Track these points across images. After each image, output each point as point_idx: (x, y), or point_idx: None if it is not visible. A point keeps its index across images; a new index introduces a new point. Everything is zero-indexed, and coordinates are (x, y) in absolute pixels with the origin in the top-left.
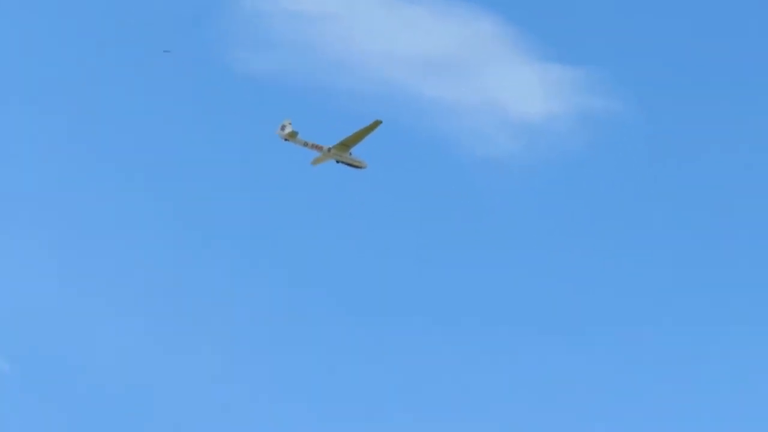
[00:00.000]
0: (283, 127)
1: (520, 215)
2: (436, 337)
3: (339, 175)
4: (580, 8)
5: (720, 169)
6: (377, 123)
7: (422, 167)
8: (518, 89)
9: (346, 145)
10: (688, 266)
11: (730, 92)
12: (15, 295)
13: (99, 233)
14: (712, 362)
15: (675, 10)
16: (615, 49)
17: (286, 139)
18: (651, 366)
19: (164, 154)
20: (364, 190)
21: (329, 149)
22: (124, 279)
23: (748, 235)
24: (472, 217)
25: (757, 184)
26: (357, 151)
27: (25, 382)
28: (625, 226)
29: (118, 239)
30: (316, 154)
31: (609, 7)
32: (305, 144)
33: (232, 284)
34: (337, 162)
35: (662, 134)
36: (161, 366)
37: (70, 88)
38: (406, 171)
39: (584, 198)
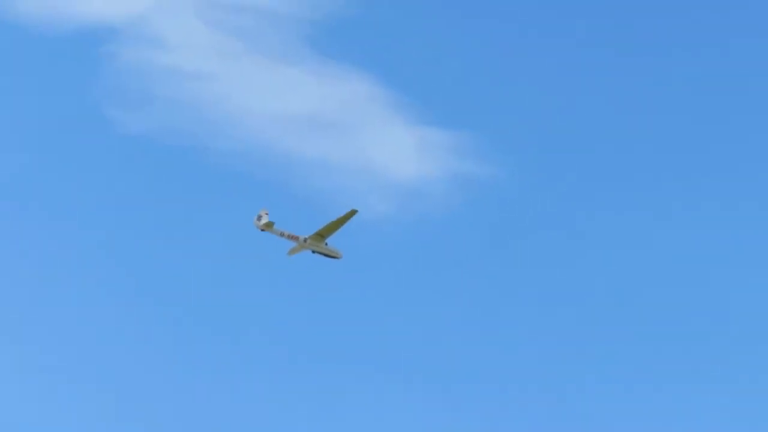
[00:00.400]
0: (259, 217)
1: (392, 275)
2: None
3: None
4: (455, 72)
5: (592, 231)
6: (353, 212)
7: (298, 225)
8: (393, 151)
9: (322, 235)
10: (555, 323)
11: (603, 155)
12: None
13: None
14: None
15: (550, 76)
16: (489, 114)
17: (262, 230)
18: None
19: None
20: None
21: (305, 239)
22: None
23: (616, 293)
24: (345, 275)
25: (627, 246)
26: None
27: None
28: (495, 286)
29: None
30: (291, 243)
31: (484, 73)
32: (282, 234)
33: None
34: (313, 252)
35: (535, 198)
36: None
37: None
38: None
39: (455, 259)
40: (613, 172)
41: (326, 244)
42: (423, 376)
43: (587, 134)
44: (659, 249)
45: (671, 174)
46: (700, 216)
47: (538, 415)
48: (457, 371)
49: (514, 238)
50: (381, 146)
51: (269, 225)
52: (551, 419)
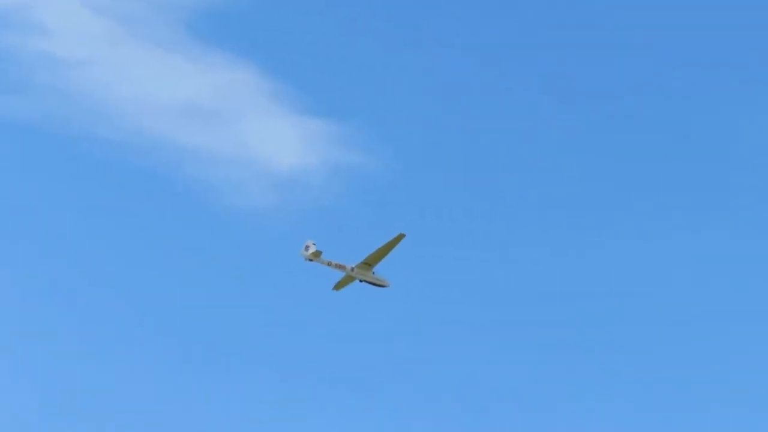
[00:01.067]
0: (306, 248)
1: (273, 265)
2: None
3: None
4: (336, 63)
5: (469, 221)
6: (401, 237)
7: (178, 215)
8: (273, 141)
9: (369, 264)
10: (434, 313)
11: (480, 147)
12: None
13: None
14: None
15: (428, 68)
16: (369, 104)
17: (310, 260)
18: None
19: None
20: None
21: (352, 268)
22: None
23: (488, 282)
24: (226, 265)
25: (504, 236)
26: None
27: None
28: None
29: None
30: (339, 273)
31: (364, 63)
32: (329, 264)
33: None
34: (361, 281)
35: (414, 188)
36: None
37: None
38: (161, 218)
39: (335, 248)
40: (488, 162)
41: (374, 272)
42: (291, 374)
43: (465, 125)
44: (532, 242)
45: (542, 163)
46: (575, 209)
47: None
48: (329, 368)
49: (393, 228)
50: (261, 136)
51: (317, 254)
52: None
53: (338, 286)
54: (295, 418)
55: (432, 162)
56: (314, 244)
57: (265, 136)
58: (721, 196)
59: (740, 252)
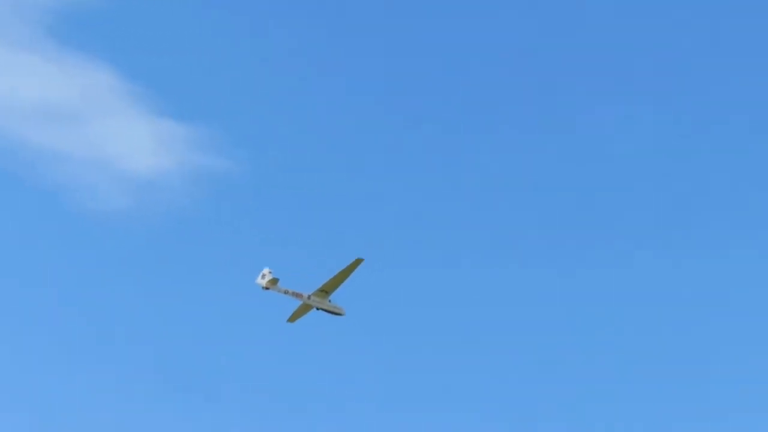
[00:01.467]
0: (263, 276)
1: (130, 268)
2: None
3: None
4: (193, 66)
5: (328, 223)
6: (358, 262)
7: (32, 217)
8: (129, 143)
9: (326, 291)
10: None
11: (334, 150)
12: None
13: None
14: None
15: (288, 70)
16: (227, 108)
17: (266, 288)
18: None
19: None
20: None
21: (309, 296)
22: None
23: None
24: (80, 268)
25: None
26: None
27: None
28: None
29: None
30: (296, 302)
31: (222, 67)
32: (286, 292)
33: None
34: (317, 309)
35: (271, 192)
36: None
37: None
38: (15, 220)
39: (192, 250)
40: (343, 164)
41: (330, 300)
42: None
43: (319, 128)
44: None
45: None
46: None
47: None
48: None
49: (250, 231)
50: (117, 138)
51: (273, 282)
52: None
53: (293, 318)
54: None
55: (287, 165)
56: (270, 272)
57: (121, 139)
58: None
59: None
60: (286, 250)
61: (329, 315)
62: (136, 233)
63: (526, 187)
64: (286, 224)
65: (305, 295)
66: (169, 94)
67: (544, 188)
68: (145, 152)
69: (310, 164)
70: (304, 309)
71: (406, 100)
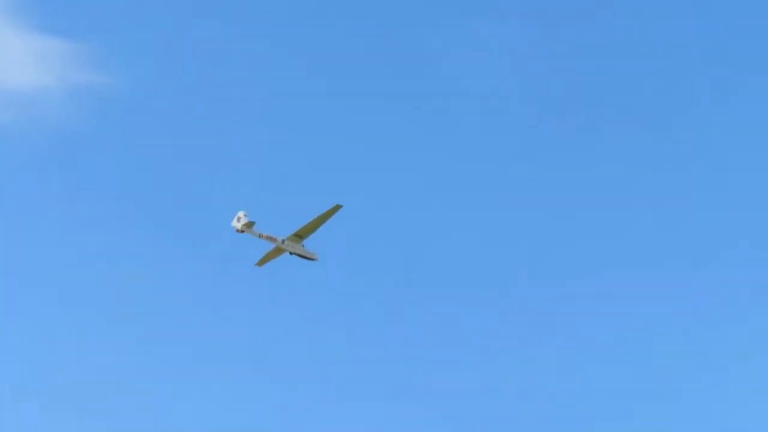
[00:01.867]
0: (238, 219)
1: (8, 183)
2: None
3: None
4: None
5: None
6: (337, 207)
7: None
8: (9, 60)
9: (300, 236)
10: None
11: (219, 65)
12: None
13: None
14: None
15: None
16: (108, 23)
17: (241, 231)
18: None
19: None
20: None
21: (283, 240)
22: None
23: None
24: None
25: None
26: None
27: None
28: (128, 199)
29: None
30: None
31: None
32: (260, 236)
33: None
34: (290, 254)
35: (154, 109)
36: None
37: None
38: None
39: (73, 166)
40: (227, 80)
41: (303, 245)
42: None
43: (201, 43)
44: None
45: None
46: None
47: None
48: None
49: (131, 147)
50: None
51: (249, 225)
52: None
53: (262, 262)
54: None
55: (168, 81)
56: (246, 215)
57: (1, 55)
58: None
59: None
60: (168, 167)
61: (301, 259)
62: (16, 149)
63: None
64: (165, 140)
65: (279, 239)
66: (48, 8)
67: None
68: (25, 68)
69: (190, 81)
70: (275, 253)
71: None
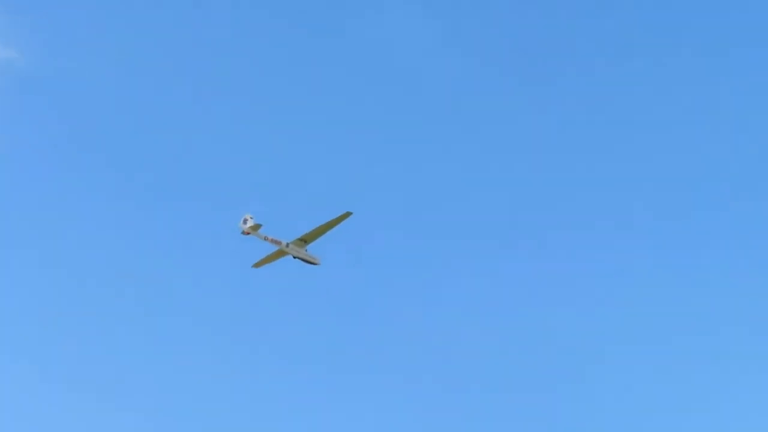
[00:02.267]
0: (245, 221)
1: None
2: None
3: None
4: None
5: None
6: (347, 215)
7: None
8: None
9: (305, 240)
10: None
11: (137, 38)
12: None
13: None
14: None
15: None
16: None
17: (247, 233)
18: None
19: None
20: None
21: (287, 244)
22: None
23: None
24: None
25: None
26: None
27: None
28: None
29: None
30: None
31: None
32: (265, 239)
33: None
34: (294, 258)
35: (66, 81)
36: None
37: None
38: None
39: None
40: (147, 54)
41: (306, 250)
42: None
43: (115, 13)
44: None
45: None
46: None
47: None
48: None
49: (36, 122)
50: None
51: (255, 228)
52: None
53: (259, 263)
54: None
55: (75, 57)
56: (252, 218)
57: None
58: None
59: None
60: (77, 144)
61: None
62: None
63: None
64: (81, 113)
65: (283, 242)
66: None
67: None
68: None
69: (102, 56)
70: (276, 256)
71: None
